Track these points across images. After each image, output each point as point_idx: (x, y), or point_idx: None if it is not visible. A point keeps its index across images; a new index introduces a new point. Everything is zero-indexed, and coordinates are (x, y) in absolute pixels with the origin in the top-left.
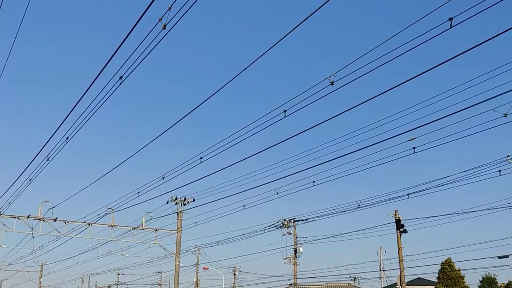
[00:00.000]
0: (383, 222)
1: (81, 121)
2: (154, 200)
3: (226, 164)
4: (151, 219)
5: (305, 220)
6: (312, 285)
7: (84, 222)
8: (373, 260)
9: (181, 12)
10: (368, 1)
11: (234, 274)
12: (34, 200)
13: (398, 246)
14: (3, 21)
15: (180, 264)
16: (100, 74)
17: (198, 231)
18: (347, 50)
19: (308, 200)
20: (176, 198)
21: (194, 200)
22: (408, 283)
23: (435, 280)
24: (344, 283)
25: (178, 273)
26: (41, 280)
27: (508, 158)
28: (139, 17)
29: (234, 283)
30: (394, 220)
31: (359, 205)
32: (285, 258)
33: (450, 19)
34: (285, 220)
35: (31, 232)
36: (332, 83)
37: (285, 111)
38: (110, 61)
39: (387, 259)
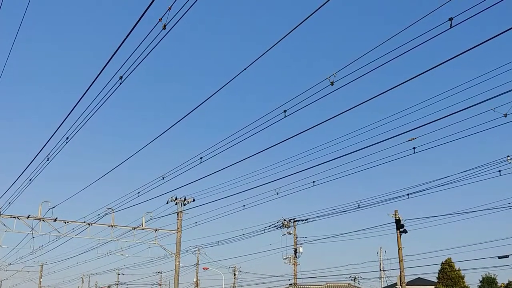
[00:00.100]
0: (383, 222)
1: (81, 121)
2: (154, 200)
3: (226, 164)
4: (151, 219)
5: (305, 220)
6: (312, 285)
7: (84, 222)
8: (373, 260)
9: (181, 12)
10: (368, 1)
11: (234, 274)
12: (34, 200)
13: (398, 246)
14: (3, 21)
15: (180, 264)
16: (100, 74)
17: (198, 231)
18: (347, 50)
19: (308, 200)
20: (176, 198)
21: (194, 200)
22: (408, 283)
23: (435, 280)
24: (344, 283)
25: (178, 273)
26: (41, 280)
27: (508, 158)
28: (139, 17)
29: (234, 283)
30: (394, 220)
31: (359, 205)
32: (285, 258)
33: (450, 19)
34: (285, 220)
35: (31, 232)
36: (332, 83)
37: (285, 111)
38: (110, 61)
39: (387, 259)
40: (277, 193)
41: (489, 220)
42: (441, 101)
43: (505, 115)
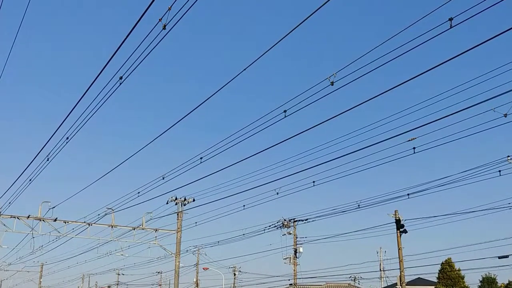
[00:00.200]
0: (383, 222)
1: (81, 121)
2: (154, 200)
3: (226, 164)
4: (151, 219)
5: (305, 220)
6: (312, 285)
7: (84, 222)
8: (373, 260)
9: (181, 12)
10: (368, 1)
11: (234, 274)
12: (34, 200)
13: (398, 246)
14: (3, 21)
15: (180, 264)
16: (100, 74)
17: (198, 231)
18: (347, 50)
19: (308, 200)
20: (176, 198)
21: (194, 200)
22: (408, 283)
23: (435, 280)
24: (344, 283)
25: (178, 273)
26: (41, 280)
27: (508, 158)
28: (139, 17)
29: (234, 283)
30: (394, 220)
31: (359, 205)
32: (285, 258)
33: (450, 19)
34: (285, 220)
35: (31, 232)
36: (332, 83)
37: (285, 111)
38: (110, 61)
39: (387, 259)
40: (277, 193)
41: (489, 220)
42: (441, 101)
43: (505, 115)
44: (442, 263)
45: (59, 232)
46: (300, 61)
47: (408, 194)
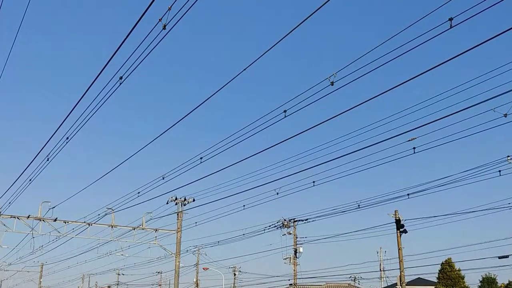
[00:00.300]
0: (383, 222)
1: (81, 121)
2: (154, 200)
3: (226, 164)
4: (151, 219)
5: (305, 220)
6: (312, 285)
7: (84, 222)
8: (373, 260)
9: (181, 12)
10: (368, 1)
11: (234, 274)
12: (34, 200)
13: (398, 246)
14: (3, 21)
15: (180, 264)
16: (100, 74)
17: (198, 231)
18: (347, 50)
19: (308, 200)
20: (176, 198)
21: (194, 200)
22: (408, 283)
23: (435, 280)
24: (344, 283)
25: (178, 273)
26: (41, 280)
27: (508, 158)
28: (139, 17)
29: (234, 283)
30: (394, 220)
31: (359, 205)
32: (285, 258)
33: (450, 19)
34: (285, 220)
35: (31, 232)
36: (332, 83)
37: (285, 111)
38: (110, 61)
39: (387, 259)
40: (277, 193)
41: (489, 220)
42: (441, 101)
43: (505, 115)
44: (442, 263)
45: (59, 232)
46: (300, 61)
47: (408, 194)
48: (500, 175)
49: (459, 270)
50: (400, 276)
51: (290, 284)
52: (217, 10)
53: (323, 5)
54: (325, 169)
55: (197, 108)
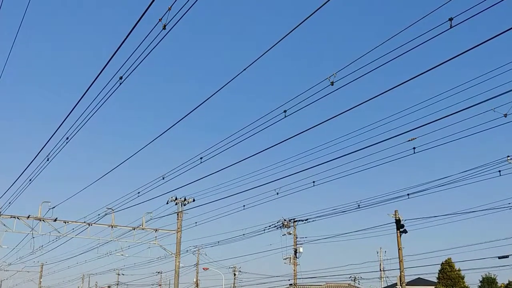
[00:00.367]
0: (383, 222)
1: (81, 121)
2: (154, 200)
3: (226, 164)
4: (151, 219)
5: (305, 220)
6: (312, 285)
7: (84, 222)
8: (373, 260)
9: (181, 12)
10: (368, 1)
11: (234, 274)
12: (34, 200)
13: (398, 246)
14: (3, 21)
15: (180, 264)
16: (100, 74)
17: (198, 231)
18: (347, 50)
19: (308, 200)
20: (176, 198)
21: (194, 200)
22: (408, 283)
23: (435, 280)
24: (344, 283)
25: (178, 273)
26: (41, 280)
27: (508, 158)
28: (139, 17)
29: (234, 283)
30: (394, 220)
31: (359, 205)
32: (285, 258)
33: (450, 19)
34: (285, 220)
35: (31, 232)
36: (332, 83)
37: (285, 111)
38: (110, 61)
39: (387, 259)
40: (277, 193)
41: (489, 220)
42: (441, 101)
43: (505, 115)
44: (442, 263)
45: (59, 232)
46: (300, 61)
47: (408, 194)
48: (500, 175)
49: (459, 270)
50: (400, 276)
51: (290, 284)
52: (217, 10)
53: (323, 5)
54: (325, 169)
55: (197, 108)
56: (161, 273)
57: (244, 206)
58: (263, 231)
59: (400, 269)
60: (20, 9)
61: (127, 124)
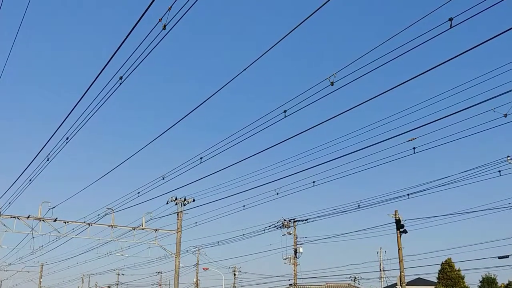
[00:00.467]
0: (383, 222)
1: (81, 121)
2: (154, 200)
3: (226, 164)
4: (151, 219)
5: (305, 220)
6: (312, 285)
7: (84, 222)
8: (373, 260)
9: (181, 12)
10: (368, 1)
11: (234, 274)
12: (34, 200)
13: (398, 247)
14: (3, 21)
15: (180, 265)
16: (100, 74)
17: (198, 231)
18: (347, 50)
19: (308, 200)
20: (176, 198)
21: (194, 200)
22: (408, 284)
23: (435, 280)
24: (344, 283)
25: (178, 273)
26: (41, 280)
27: (508, 158)
28: (139, 17)
29: (234, 283)
30: (394, 220)
31: (359, 205)
32: (285, 258)
33: (450, 19)
34: (285, 220)
35: (31, 233)
36: (332, 83)
37: (285, 111)
38: (110, 61)
39: (387, 259)
40: (277, 193)
41: (489, 220)
42: (441, 101)
43: (505, 115)
44: (442, 263)
45: (59, 232)
46: (300, 61)
47: (408, 194)
48: (500, 175)
49: (459, 270)
50: (400, 276)
51: (290, 284)
52: (217, 10)
53: (323, 5)
54: (325, 169)
55: (197, 108)
56: (161, 273)
57: (244, 206)
58: (263, 231)
59: (400, 269)
60: (20, 9)
61: (127, 124)
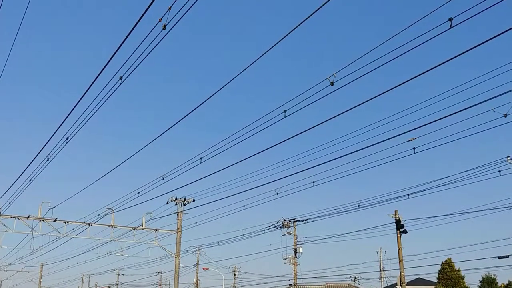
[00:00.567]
0: (383, 222)
1: (81, 121)
2: (154, 200)
3: (226, 164)
4: (151, 219)
5: (305, 220)
6: (312, 285)
7: (84, 222)
8: (373, 260)
9: (181, 12)
10: (368, 1)
11: (234, 275)
12: (34, 200)
13: (398, 247)
14: (3, 21)
15: (180, 265)
16: (100, 74)
17: (198, 231)
18: (347, 50)
19: (308, 200)
20: (176, 199)
21: (194, 200)
22: (408, 284)
23: (435, 280)
24: (344, 283)
25: (178, 274)
26: (41, 280)
27: (508, 158)
28: (139, 17)
29: (234, 284)
30: (394, 221)
31: (359, 205)
32: (285, 259)
33: (450, 19)
34: (285, 220)
35: (31, 233)
36: (332, 83)
37: (285, 111)
38: (110, 61)
39: (387, 259)
40: (277, 193)
41: (489, 220)
42: (441, 101)
43: (505, 115)
44: (442, 263)
45: (59, 232)
46: (300, 61)
47: (408, 194)
48: (500, 175)
49: (459, 270)
50: (400, 276)
51: (290, 284)
52: (217, 10)
53: (323, 5)
54: (325, 169)
55: (197, 108)
56: (161, 273)
57: (244, 206)
58: (263, 231)
59: (400, 269)
60: (20, 9)
61: (127, 124)
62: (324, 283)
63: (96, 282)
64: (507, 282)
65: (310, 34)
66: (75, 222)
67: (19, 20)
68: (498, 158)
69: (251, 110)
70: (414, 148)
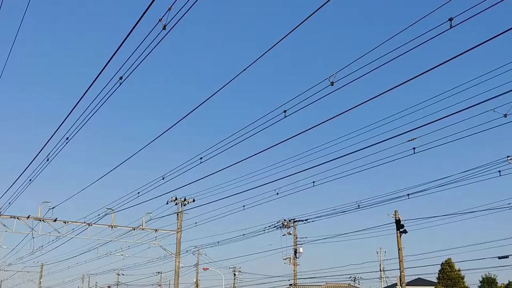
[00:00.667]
0: (383, 222)
1: (81, 121)
2: (154, 200)
3: (226, 164)
4: (151, 219)
5: (305, 220)
6: (312, 286)
7: (84, 222)
8: (373, 260)
9: (181, 12)
10: (368, 1)
11: (234, 275)
12: (34, 200)
13: (398, 247)
14: (3, 21)
15: (180, 265)
16: (100, 74)
17: (198, 231)
18: (347, 50)
19: (308, 200)
20: (176, 199)
21: (194, 200)
22: (408, 284)
23: (435, 280)
24: (344, 284)
25: (178, 274)
26: (41, 280)
27: (508, 158)
28: (139, 17)
29: (234, 284)
30: (394, 221)
31: (359, 206)
32: (285, 259)
33: (450, 19)
34: (285, 220)
35: (31, 233)
36: (332, 83)
37: (285, 111)
38: (110, 61)
39: (387, 259)
40: (277, 193)
41: (489, 220)
42: (441, 101)
43: (505, 115)
44: (442, 263)
45: (59, 232)
46: (300, 61)
47: (408, 194)
48: (500, 175)
49: (459, 270)
50: (400, 276)
51: (290, 284)
52: (217, 10)
53: (323, 5)
54: (325, 169)
55: (197, 108)
56: (161, 273)
57: (244, 206)
58: (263, 231)
59: (400, 269)
60: (20, 9)
61: (127, 124)
62: (324, 283)
63: (96, 282)
64: (507, 282)
65: (310, 34)
66: (75, 222)
67: (19, 20)
68: (498, 158)
69: (251, 110)
70: (414, 148)
